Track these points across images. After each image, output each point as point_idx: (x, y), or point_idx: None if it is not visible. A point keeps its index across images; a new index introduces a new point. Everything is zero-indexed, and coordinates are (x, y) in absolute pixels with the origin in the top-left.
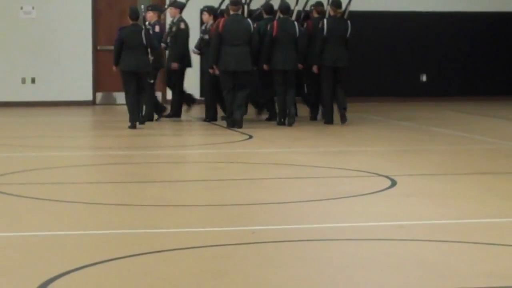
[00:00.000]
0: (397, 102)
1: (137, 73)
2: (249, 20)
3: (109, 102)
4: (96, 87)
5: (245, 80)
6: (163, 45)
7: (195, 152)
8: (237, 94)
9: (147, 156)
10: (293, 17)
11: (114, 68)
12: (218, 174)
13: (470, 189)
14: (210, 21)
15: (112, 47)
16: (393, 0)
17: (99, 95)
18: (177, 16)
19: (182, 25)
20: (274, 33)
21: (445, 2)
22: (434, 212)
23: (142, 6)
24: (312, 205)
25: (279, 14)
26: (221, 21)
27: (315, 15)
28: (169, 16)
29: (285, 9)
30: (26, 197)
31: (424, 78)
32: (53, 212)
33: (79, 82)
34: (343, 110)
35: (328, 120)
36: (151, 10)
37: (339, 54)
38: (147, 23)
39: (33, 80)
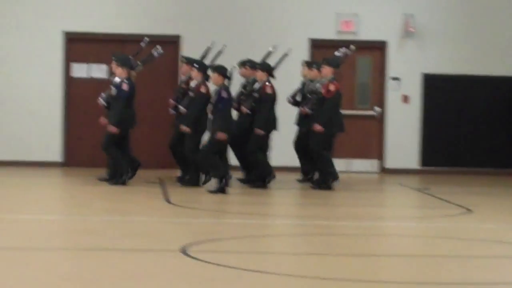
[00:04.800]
0: None
1: None
2: None
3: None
4: None
5: None
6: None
7: (407, 225)
8: None
9: (356, 227)
10: None
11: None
12: (430, 250)
13: None
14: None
15: None
16: None
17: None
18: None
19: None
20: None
21: None
22: None
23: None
24: None
25: None
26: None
27: None
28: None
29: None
30: (224, 266)
31: None
32: (251, 283)
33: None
34: None
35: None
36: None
37: None
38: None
39: None
